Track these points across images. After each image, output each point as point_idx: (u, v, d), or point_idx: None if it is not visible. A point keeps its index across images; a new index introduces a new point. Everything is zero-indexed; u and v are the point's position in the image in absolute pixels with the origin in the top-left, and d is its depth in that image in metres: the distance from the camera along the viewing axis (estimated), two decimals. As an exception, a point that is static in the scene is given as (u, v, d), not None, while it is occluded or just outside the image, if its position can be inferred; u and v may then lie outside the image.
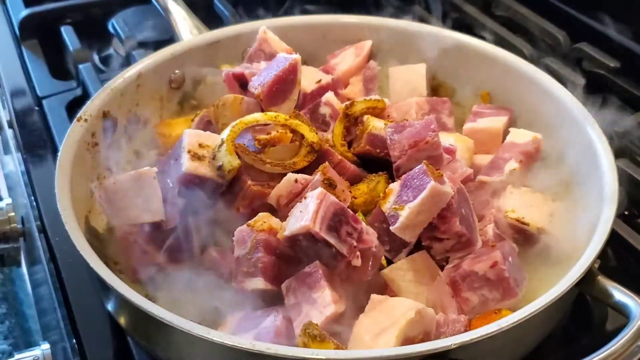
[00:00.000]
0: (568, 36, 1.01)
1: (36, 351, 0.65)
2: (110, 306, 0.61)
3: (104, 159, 0.70)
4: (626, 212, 0.79)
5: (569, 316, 0.65)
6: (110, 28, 1.08)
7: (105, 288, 0.58)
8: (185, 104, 0.79)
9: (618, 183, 0.76)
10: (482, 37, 1.04)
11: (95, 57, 1.07)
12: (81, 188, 0.66)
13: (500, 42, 1.01)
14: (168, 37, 0.92)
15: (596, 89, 0.96)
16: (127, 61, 0.98)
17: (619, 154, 0.83)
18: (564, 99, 0.72)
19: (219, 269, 0.61)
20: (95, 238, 0.66)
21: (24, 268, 0.93)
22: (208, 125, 0.73)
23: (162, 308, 0.53)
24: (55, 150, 0.84)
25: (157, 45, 0.85)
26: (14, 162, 0.96)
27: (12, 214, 0.85)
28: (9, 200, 0.87)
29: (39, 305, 0.87)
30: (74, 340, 0.66)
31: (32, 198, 0.82)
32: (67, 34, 0.99)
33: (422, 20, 1.07)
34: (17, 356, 0.65)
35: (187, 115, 0.77)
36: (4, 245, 0.87)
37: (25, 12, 1.04)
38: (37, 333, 0.88)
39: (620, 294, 0.54)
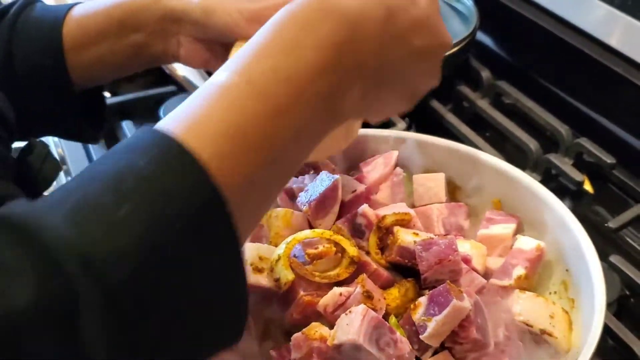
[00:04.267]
0: (570, 130, 1.14)
1: None
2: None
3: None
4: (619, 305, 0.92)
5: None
6: (161, 115, 1.22)
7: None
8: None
9: (615, 278, 0.89)
10: (493, 130, 1.18)
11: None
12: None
13: (509, 136, 1.15)
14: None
15: (597, 180, 1.10)
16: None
17: (614, 249, 0.97)
18: (560, 211, 0.84)
19: (276, 366, 0.74)
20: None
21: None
22: (261, 228, 0.86)
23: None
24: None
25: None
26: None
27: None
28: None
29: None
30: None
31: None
32: (128, 128, 1.13)
33: (437, 112, 1.21)
34: None
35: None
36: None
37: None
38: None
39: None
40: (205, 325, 0.44)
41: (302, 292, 0.75)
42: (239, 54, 0.49)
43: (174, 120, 0.46)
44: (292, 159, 0.51)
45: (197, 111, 0.45)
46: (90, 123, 0.83)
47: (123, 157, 0.43)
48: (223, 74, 0.47)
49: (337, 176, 0.84)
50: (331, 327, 0.72)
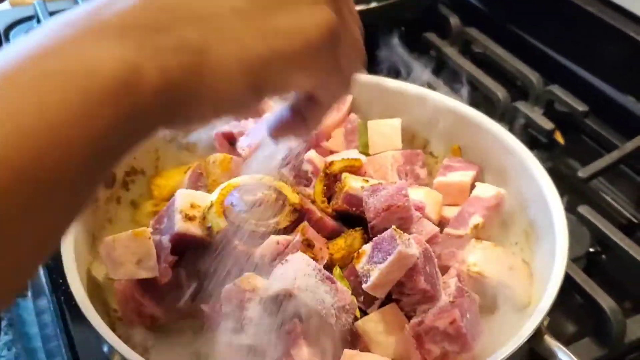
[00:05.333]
0: (541, 77, 1.07)
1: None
2: (106, 349, 0.67)
3: (103, 211, 0.76)
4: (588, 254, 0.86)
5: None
6: None
7: (101, 337, 0.64)
8: (179, 155, 0.85)
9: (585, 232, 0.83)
10: (459, 80, 1.11)
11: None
12: (83, 241, 0.73)
13: (476, 84, 1.08)
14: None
15: (568, 130, 1.04)
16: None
17: (582, 200, 0.91)
18: (523, 157, 0.78)
19: (209, 322, 0.68)
20: (96, 286, 0.73)
21: (29, 298, 0.99)
22: (200, 177, 0.79)
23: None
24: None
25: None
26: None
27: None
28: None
29: (43, 332, 0.93)
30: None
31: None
32: None
33: (403, 60, 1.13)
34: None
35: (182, 166, 0.83)
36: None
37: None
38: (41, 351, 0.94)
39: (563, 355, 0.61)
40: None
41: (236, 242, 0.68)
42: None
43: None
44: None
45: None
46: None
47: None
48: None
49: (280, 118, 0.77)
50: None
